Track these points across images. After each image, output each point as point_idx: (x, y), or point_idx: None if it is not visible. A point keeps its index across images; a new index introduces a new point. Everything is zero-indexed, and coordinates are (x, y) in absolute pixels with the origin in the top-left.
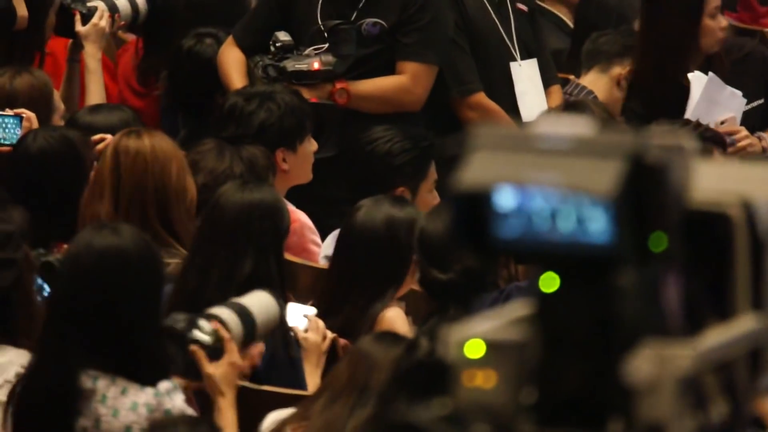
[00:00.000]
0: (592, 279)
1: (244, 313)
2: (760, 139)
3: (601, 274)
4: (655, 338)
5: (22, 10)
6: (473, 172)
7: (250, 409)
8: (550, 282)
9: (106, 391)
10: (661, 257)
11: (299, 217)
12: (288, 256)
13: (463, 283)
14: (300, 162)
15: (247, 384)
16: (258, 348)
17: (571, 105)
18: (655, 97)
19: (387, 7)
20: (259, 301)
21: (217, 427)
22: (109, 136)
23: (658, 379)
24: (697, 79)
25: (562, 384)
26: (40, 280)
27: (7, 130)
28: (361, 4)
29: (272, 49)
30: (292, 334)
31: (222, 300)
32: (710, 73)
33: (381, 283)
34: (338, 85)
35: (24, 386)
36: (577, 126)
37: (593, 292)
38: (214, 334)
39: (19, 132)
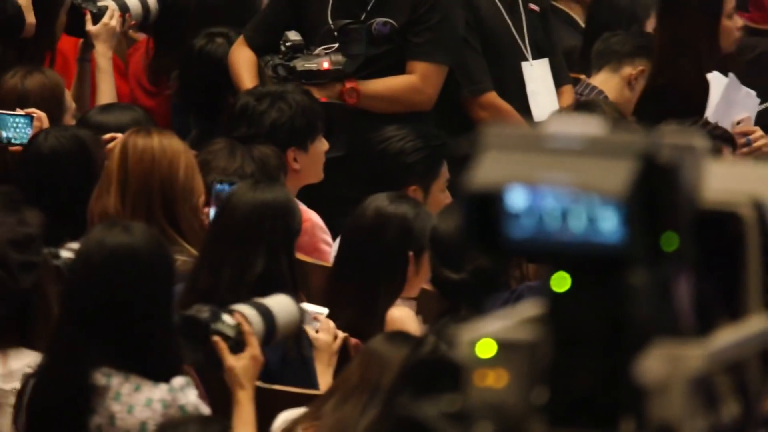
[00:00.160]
0: (604, 279)
1: (265, 313)
2: None
3: (612, 273)
4: (667, 338)
5: (30, 18)
6: (484, 172)
7: (262, 408)
8: (561, 282)
9: (119, 389)
10: (672, 257)
11: (310, 216)
12: (299, 256)
13: (475, 283)
14: (311, 162)
15: (259, 383)
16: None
17: (583, 105)
18: (675, 98)
19: (397, 6)
20: (280, 304)
21: (228, 426)
22: (120, 136)
23: (670, 379)
24: (716, 80)
25: (573, 384)
26: None
27: (18, 130)
28: (371, 4)
29: (282, 48)
30: (304, 333)
31: (233, 299)
32: (730, 74)
33: (376, 280)
34: (348, 85)
35: (36, 385)
36: (589, 126)
37: (605, 291)
38: (237, 327)
39: (29, 132)
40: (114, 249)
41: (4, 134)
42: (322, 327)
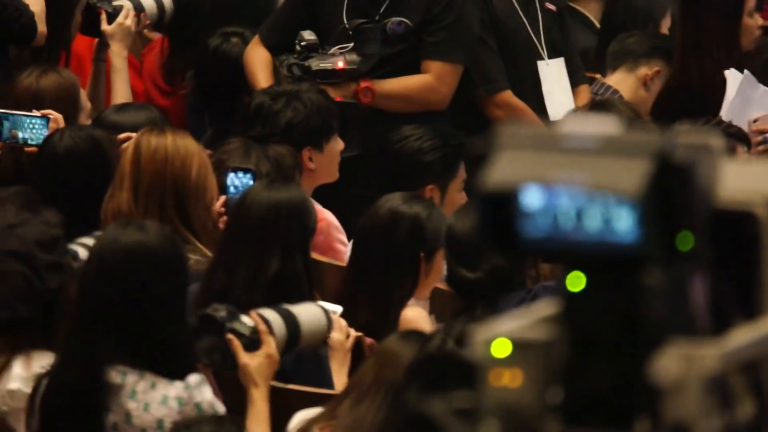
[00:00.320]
0: (619, 278)
1: (290, 319)
2: None
3: (627, 273)
4: (682, 338)
5: (42, 27)
6: (500, 171)
7: (277, 408)
8: (576, 281)
9: (135, 386)
10: (687, 256)
11: (326, 216)
12: (315, 255)
13: (490, 282)
14: (326, 161)
15: (274, 383)
16: None
17: (598, 104)
18: (692, 95)
19: (412, 6)
20: (307, 312)
21: (243, 425)
22: (134, 135)
23: (685, 379)
24: (732, 77)
25: (588, 383)
26: None
27: (34, 131)
28: (386, 4)
29: (297, 48)
30: None
31: (248, 299)
32: (746, 71)
33: (389, 279)
34: (363, 84)
35: (50, 384)
36: (604, 125)
37: (620, 291)
38: (253, 326)
39: (45, 133)
40: (128, 247)
41: (21, 135)
42: (335, 326)
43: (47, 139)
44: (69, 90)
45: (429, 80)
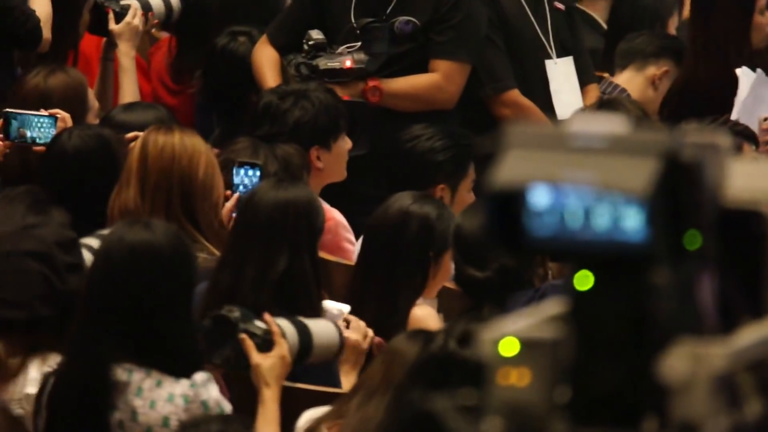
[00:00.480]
0: (627, 277)
1: (303, 331)
2: None
3: (635, 272)
4: (690, 337)
5: (47, 33)
6: (508, 170)
7: (285, 407)
8: (584, 280)
9: (141, 384)
10: (695, 255)
11: (334, 215)
12: (322, 255)
13: (499, 281)
14: (334, 160)
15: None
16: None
17: (606, 103)
18: (703, 92)
19: (420, 5)
20: (321, 327)
21: (250, 424)
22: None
23: (693, 378)
24: (744, 75)
25: (596, 382)
26: None
27: (42, 130)
28: (393, 3)
29: (305, 47)
30: None
31: (256, 298)
32: (758, 70)
33: (397, 278)
34: (371, 83)
35: (56, 383)
36: (612, 124)
37: (628, 290)
38: (266, 327)
39: (53, 132)
40: (133, 245)
41: (29, 134)
42: (353, 326)
43: (56, 138)
44: (77, 89)
45: (437, 79)
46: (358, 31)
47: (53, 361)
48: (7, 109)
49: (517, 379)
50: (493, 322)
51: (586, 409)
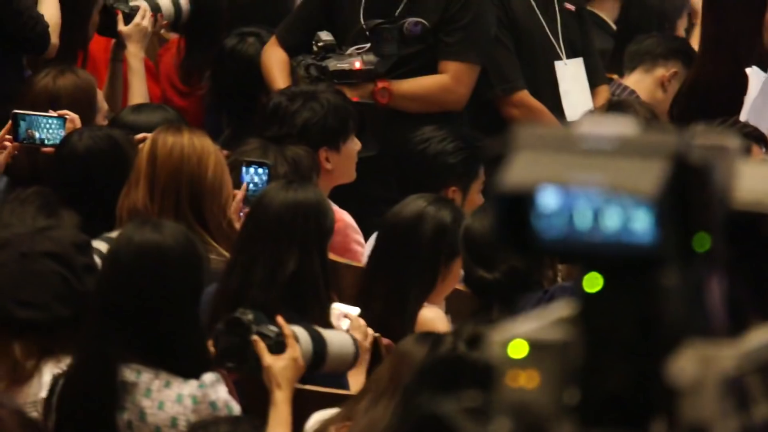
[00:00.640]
0: (636, 279)
1: (317, 339)
2: None
3: (644, 274)
4: (699, 338)
5: (55, 39)
6: (516, 172)
7: (294, 409)
8: (593, 282)
9: (150, 385)
10: (704, 257)
11: (343, 216)
12: (331, 256)
13: (508, 283)
14: (343, 161)
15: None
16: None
17: (615, 105)
18: (713, 92)
19: (429, 6)
20: (337, 337)
21: (259, 425)
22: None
23: (702, 380)
24: (755, 75)
25: (605, 384)
26: None
27: (51, 131)
28: (403, 4)
29: (315, 48)
30: None
31: (265, 299)
32: None
33: (408, 279)
34: (380, 85)
35: (65, 384)
36: (621, 126)
37: (637, 292)
38: (279, 329)
39: (62, 133)
40: (141, 246)
41: (38, 135)
42: (353, 326)
43: (66, 139)
44: (86, 90)
45: (446, 80)
46: (367, 33)
47: (66, 363)
48: (16, 110)
49: (526, 381)
50: (502, 324)
51: (595, 411)
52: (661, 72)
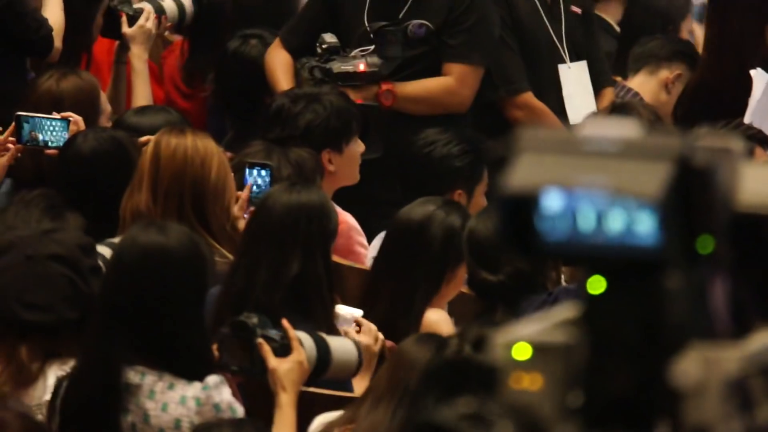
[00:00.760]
0: (639, 282)
1: (322, 345)
2: None
3: (648, 276)
4: (702, 341)
5: (58, 42)
6: (521, 174)
7: (298, 411)
8: (597, 284)
9: (153, 387)
10: (708, 260)
11: (346, 218)
12: (335, 258)
13: (512, 285)
14: (346, 163)
15: None
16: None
17: (619, 107)
18: (717, 94)
19: (433, 8)
20: (339, 343)
21: (262, 428)
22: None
23: (705, 382)
24: (759, 77)
25: (608, 387)
26: None
27: (54, 134)
28: (407, 6)
29: (318, 50)
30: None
31: (268, 301)
32: None
33: (415, 281)
34: (384, 87)
35: (69, 386)
36: (625, 128)
37: (640, 294)
38: (283, 333)
39: (66, 135)
40: (145, 248)
41: (41, 137)
42: (364, 329)
43: (70, 141)
44: (89, 92)
45: (450, 83)
46: (371, 35)
47: (71, 366)
48: (19, 113)
49: (530, 383)
50: (506, 327)
51: (598, 413)
52: (665, 74)
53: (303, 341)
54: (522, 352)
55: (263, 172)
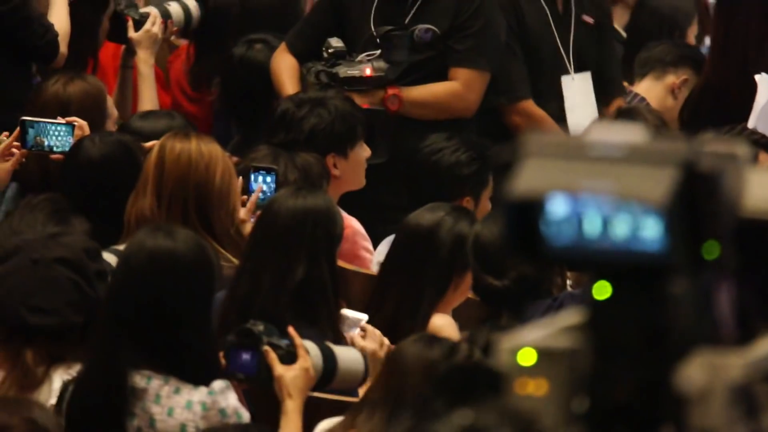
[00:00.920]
0: (645, 287)
1: (328, 355)
2: None
3: (653, 282)
4: (708, 347)
5: (63, 48)
6: (526, 179)
7: (304, 416)
8: (602, 290)
9: (159, 391)
10: (713, 265)
11: (351, 223)
12: (340, 263)
13: (517, 290)
14: (351, 168)
15: None
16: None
17: (625, 112)
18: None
19: (439, 13)
20: (346, 353)
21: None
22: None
23: (710, 388)
24: (763, 80)
25: (613, 392)
26: None
27: (59, 138)
28: (413, 11)
29: (325, 55)
30: (343, 340)
31: (273, 305)
32: None
33: (422, 285)
34: (390, 92)
35: (75, 389)
36: (630, 134)
37: (646, 300)
38: (290, 341)
39: (71, 140)
40: (153, 252)
41: (47, 142)
42: (369, 335)
43: (79, 145)
44: (96, 97)
45: (456, 87)
46: (377, 39)
47: (76, 370)
48: (24, 118)
49: (535, 389)
50: (511, 332)
51: (603, 419)
52: (671, 79)
53: (309, 350)
54: (527, 357)
55: (268, 178)
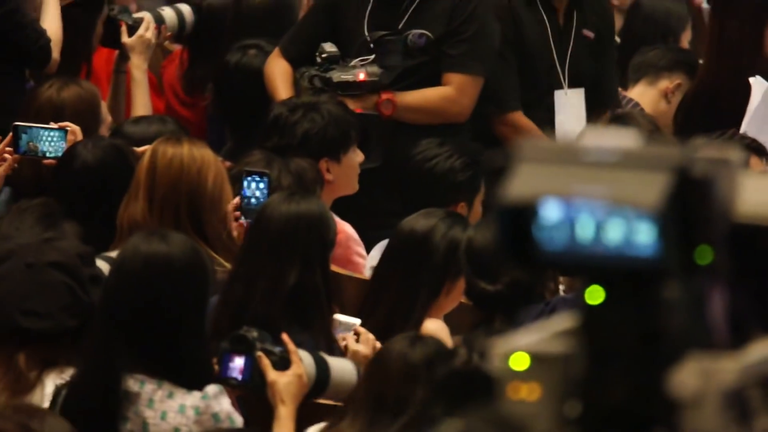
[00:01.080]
0: (638, 292)
1: (321, 364)
2: None
3: (646, 287)
4: (701, 351)
5: (56, 54)
6: (519, 184)
7: (298, 420)
8: (595, 295)
9: (152, 395)
10: (706, 270)
11: (344, 228)
12: (333, 268)
13: (510, 295)
14: (344, 172)
15: None
16: None
17: (618, 117)
18: (715, 100)
19: (433, 18)
20: (339, 364)
21: None
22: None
23: (703, 393)
24: (758, 84)
25: (606, 397)
26: None
27: (52, 144)
28: (407, 16)
29: (318, 60)
30: (335, 343)
31: (267, 311)
32: None
33: (415, 290)
34: (384, 96)
35: (68, 393)
36: (624, 138)
37: (639, 305)
38: (283, 347)
39: (64, 145)
40: (147, 257)
41: (40, 147)
42: (362, 339)
43: (71, 151)
44: (90, 102)
45: (450, 92)
46: (371, 44)
47: (69, 375)
48: (17, 123)
49: (527, 393)
50: (504, 336)
51: (596, 423)
52: (664, 84)
53: (303, 359)
54: (520, 362)
55: (261, 183)
